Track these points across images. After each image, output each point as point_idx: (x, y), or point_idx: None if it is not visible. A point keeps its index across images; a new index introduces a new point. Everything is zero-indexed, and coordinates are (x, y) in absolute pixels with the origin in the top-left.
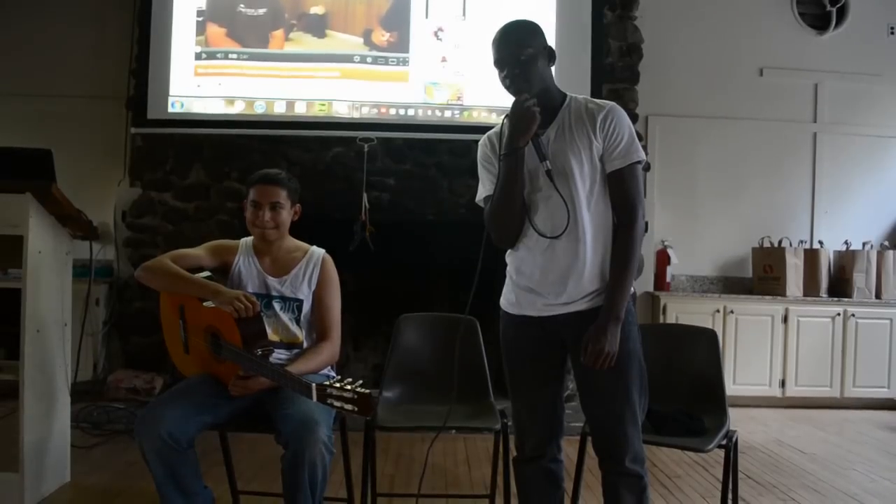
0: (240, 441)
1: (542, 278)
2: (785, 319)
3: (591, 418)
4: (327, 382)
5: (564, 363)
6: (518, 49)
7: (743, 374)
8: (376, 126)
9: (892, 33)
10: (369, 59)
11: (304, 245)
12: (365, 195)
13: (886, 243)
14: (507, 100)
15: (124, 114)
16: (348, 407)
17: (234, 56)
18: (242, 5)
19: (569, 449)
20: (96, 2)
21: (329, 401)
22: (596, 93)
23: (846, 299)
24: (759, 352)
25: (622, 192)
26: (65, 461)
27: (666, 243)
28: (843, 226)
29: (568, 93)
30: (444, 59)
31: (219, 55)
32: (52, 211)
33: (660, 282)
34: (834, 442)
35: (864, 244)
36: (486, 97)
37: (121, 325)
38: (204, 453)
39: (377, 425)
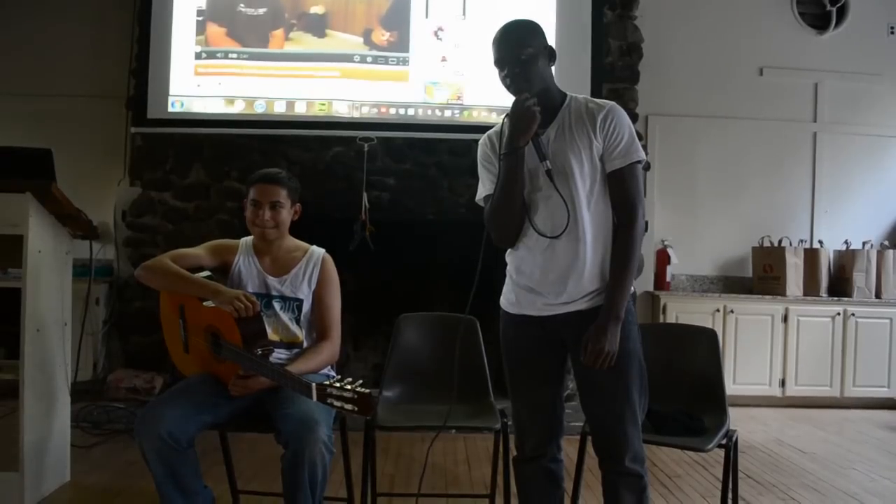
0: (240, 441)
1: (542, 278)
2: (785, 319)
3: (591, 418)
4: (327, 382)
5: (564, 363)
6: (518, 48)
7: (743, 374)
8: (376, 126)
9: (892, 33)
10: (369, 59)
11: (304, 245)
12: (365, 195)
13: (886, 243)
14: (507, 99)
15: (124, 113)
16: (348, 407)
17: (234, 56)
18: (242, 5)
19: (569, 448)
20: (96, 2)
21: (329, 400)
22: (596, 92)
23: (846, 299)
24: (759, 351)
25: (622, 191)
26: (65, 461)
27: (666, 243)
28: (843, 225)
29: (568, 92)
30: (444, 59)
31: (219, 55)
32: (52, 210)
33: (660, 281)
34: (834, 441)
35: (864, 244)
36: (486, 97)
37: (121, 325)
38: (204, 453)
39: (377, 425)
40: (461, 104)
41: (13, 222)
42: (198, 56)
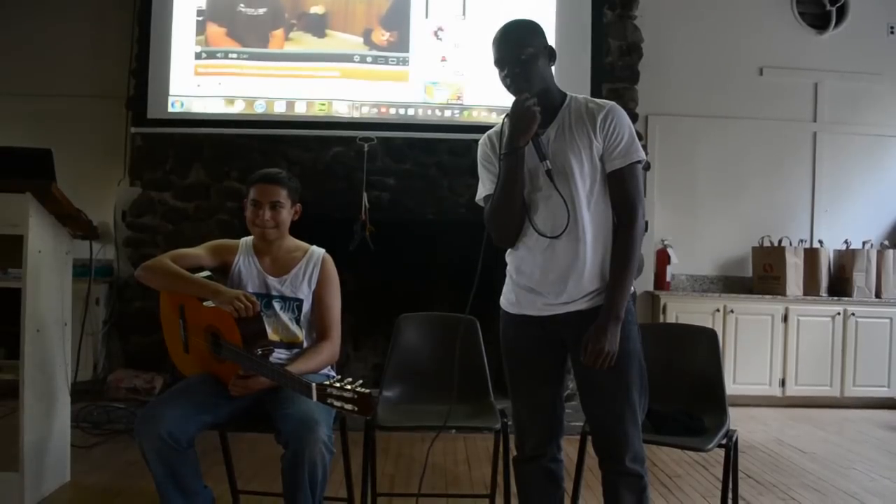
0: (240, 441)
1: (543, 278)
2: (785, 319)
3: (591, 418)
4: (327, 382)
5: (564, 363)
6: (518, 48)
7: (743, 374)
8: (376, 126)
9: (892, 33)
10: (369, 59)
11: (304, 245)
12: (365, 195)
13: (886, 242)
14: (507, 99)
15: (124, 113)
16: (348, 407)
17: (234, 56)
18: (242, 5)
19: (569, 448)
20: (96, 2)
21: (329, 400)
22: (596, 92)
23: (846, 298)
24: (759, 351)
25: (622, 191)
26: (65, 461)
27: (666, 243)
28: (843, 225)
29: (568, 92)
30: (443, 59)
31: (219, 55)
32: (52, 210)
33: (660, 281)
34: (834, 441)
35: (863, 243)
36: (486, 97)
37: (121, 325)
38: (204, 453)
39: (377, 425)
40: (461, 104)
41: (13, 222)
42: (198, 56)
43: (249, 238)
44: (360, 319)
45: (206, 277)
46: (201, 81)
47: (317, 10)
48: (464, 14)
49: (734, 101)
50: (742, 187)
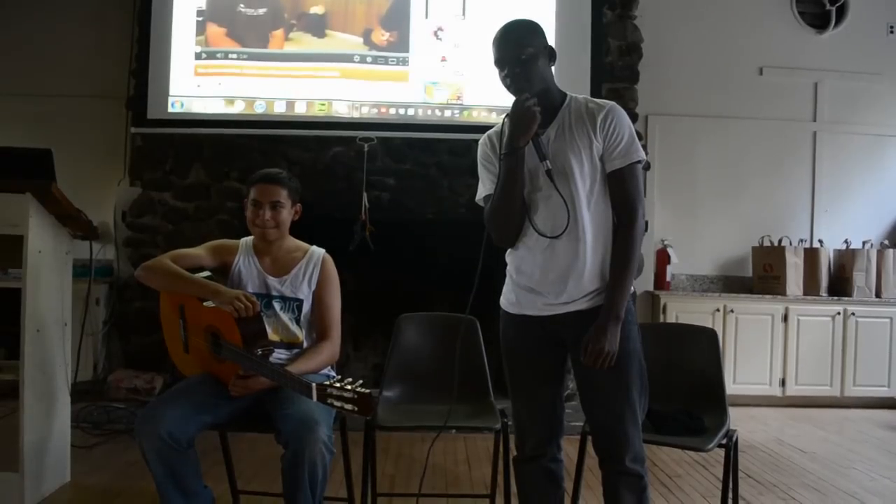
0: (240, 441)
1: (543, 278)
2: (785, 318)
3: (591, 418)
4: (327, 382)
5: (564, 363)
6: (519, 48)
7: (743, 374)
8: (376, 126)
9: (892, 32)
10: (369, 59)
11: (305, 245)
12: (365, 195)
13: (886, 242)
14: (506, 99)
15: (124, 114)
16: (348, 407)
17: (234, 56)
18: (242, 5)
19: (569, 448)
20: (96, 2)
21: (329, 400)
22: (596, 92)
23: (846, 298)
24: (759, 351)
25: (622, 191)
26: (65, 461)
27: (666, 242)
28: (843, 225)
29: (568, 92)
30: (443, 59)
31: (219, 55)
32: (52, 210)
33: (660, 281)
34: (834, 441)
35: (863, 243)
36: (485, 97)
37: (121, 325)
38: (204, 453)
39: (377, 425)
40: (461, 104)
41: (13, 222)
42: (198, 56)
43: (249, 238)
44: (360, 319)
45: (207, 277)
46: (201, 82)
47: (317, 10)
48: (464, 14)
49: (734, 100)
50: (742, 187)
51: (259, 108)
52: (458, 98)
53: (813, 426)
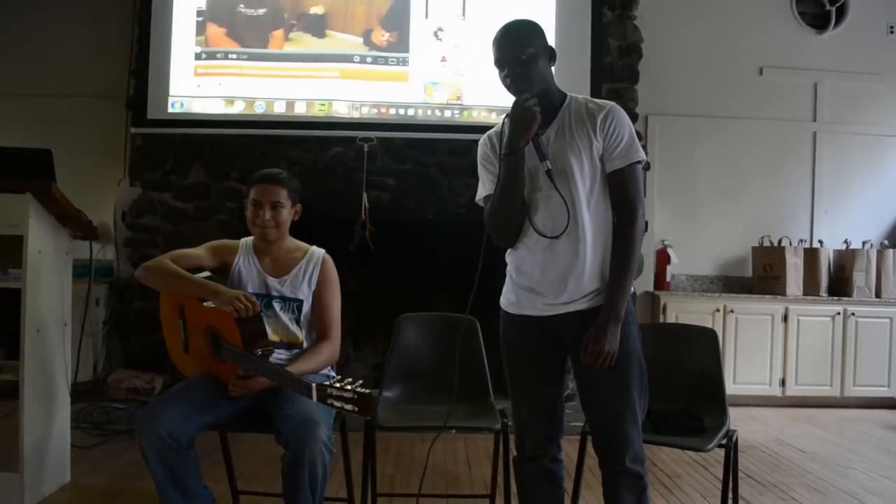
0: (240, 441)
1: (543, 278)
2: (785, 318)
3: (591, 418)
4: (327, 382)
5: (564, 363)
6: (519, 49)
7: (743, 374)
8: (376, 126)
9: (892, 32)
10: (369, 59)
11: (304, 245)
12: (365, 195)
13: (886, 242)
14: (506, 99)
15: (124, 114)
16: (348, 407)
17: (234, 56)
18: (242, 5)
19: (569, 448)
20: (96, 2)
21: (329, 401)
22: (596, 92)
23: (846, 298)
24: (758, 351)
25: (622, 191)
26: (65, 461)
27: (666, 243)
28: (843, 225)
29: (568, 92)
30: (443, 59)
31: (219, 55)
32: (52, 211)
33: (660, 281)
34: (834, 441)
35: (863, 243)
36: (485, 97)
37: (121, 325)
38: (204, 453)
39: (377, 425)
40: (461, 104)
41: (13, 223)
42: (198, 56)
43: (249, 238)
44: (360, 319)
45: (206, 278)
46: (201, 82)
47: (316, 10)
48: (464, 14)
49: (734, 100)
50: (742, 187)
51: (259, 109)
52: (458, 98)
53: (813, 426)
